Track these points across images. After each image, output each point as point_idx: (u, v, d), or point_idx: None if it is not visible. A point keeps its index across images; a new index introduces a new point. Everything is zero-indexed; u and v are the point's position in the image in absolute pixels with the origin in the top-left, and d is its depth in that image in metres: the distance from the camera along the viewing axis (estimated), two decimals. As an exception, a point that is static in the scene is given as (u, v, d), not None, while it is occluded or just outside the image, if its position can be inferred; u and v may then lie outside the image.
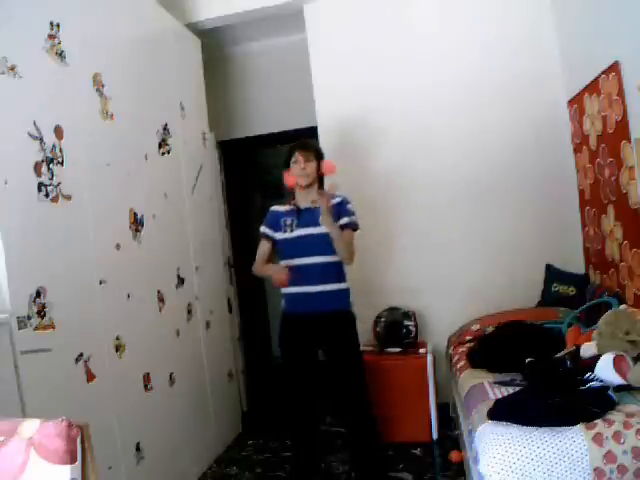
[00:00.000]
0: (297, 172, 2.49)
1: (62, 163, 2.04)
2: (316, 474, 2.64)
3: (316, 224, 2.42)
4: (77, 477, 1.05)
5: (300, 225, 2.47)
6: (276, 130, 4.14)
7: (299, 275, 2.42)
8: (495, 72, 3.33)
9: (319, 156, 2.56)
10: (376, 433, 2.59)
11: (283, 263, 2.51)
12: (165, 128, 2.93)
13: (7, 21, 1.84)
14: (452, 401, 2.96)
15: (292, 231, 2.47)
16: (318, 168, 2.52)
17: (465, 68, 3.38)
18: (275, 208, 2.64)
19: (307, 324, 2.48)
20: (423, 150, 3.46)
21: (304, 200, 2.53)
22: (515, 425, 1.65)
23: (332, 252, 2.43)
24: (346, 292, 2.54)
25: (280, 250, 2.55)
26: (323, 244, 2.41)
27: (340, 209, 2.48)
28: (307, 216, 2.48)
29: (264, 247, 2.58)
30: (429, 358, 3.10)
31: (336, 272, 2.49)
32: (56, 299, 1.92)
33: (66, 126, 2.07)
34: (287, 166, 2.55)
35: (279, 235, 2.53)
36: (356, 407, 2.54)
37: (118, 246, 2.37)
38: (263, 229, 2.60)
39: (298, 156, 2.50)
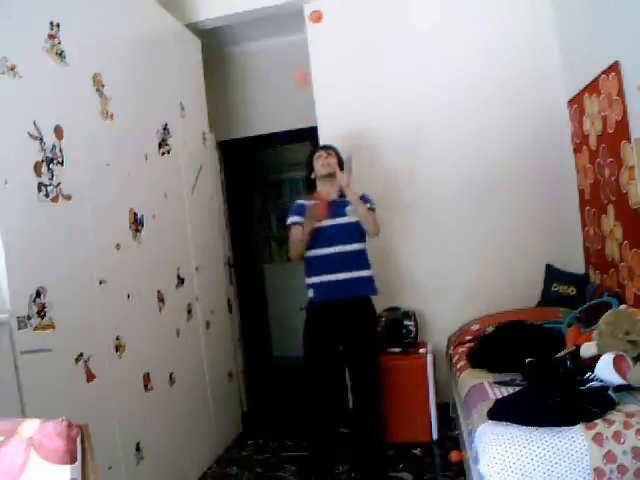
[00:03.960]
0: (320, 164, 2.68)
1: (62, 163, 2.04)
2: (328, 473, 2.64)
3: (342, 215, 2.58)
4: (77, 477, 1.05)
5: (332, 213, 2.57)
6: (276, 130, 4.14)
7: (327, 264, 2.55)
8: (495, 72, 3.33)
9: (338, 155, 2.74)
10: (382, 432, 2.61)
11: (309, 255, 2.61)
12: (165, 128, 2.93)
13: (7, 21, 1.84)
14: (452, 401, 2.96)
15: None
16: (339, 163, 2.70)
17: (465, 68, 3.38)
18: (300, 202, 2.75)
19: (335, 313, 2.57)
20: (423, 150, 3.46)
21: (327, 194, 2.65)
22: (515, 425, 1.65)
23: (357, 240, 2.58)
24: (371, 279, 2.65)
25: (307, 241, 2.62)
26: (348, 233, 2.57)
27: (362, 198, 2.64)
28: (332, 207, 2.59)
29: (297, 232, 2.63)
30: (429, 358, 3.10)
31: (361, 260, 2.61)
32: (56, 299, 1.92)
33: (66, 126, 2.07)
34: (310, 164, 2.75)
35: None
36: (369, 403, 2.59)
37: (118, 246, 2.37)
38: (292, 219, 2.68)
39: (321, 152, 2.73)
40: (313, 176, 2.75)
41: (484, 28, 3.36)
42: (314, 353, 2.63)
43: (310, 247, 2.61)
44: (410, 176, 3.49)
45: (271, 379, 4.46)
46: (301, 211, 2.66)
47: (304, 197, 2.78)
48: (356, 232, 2.60)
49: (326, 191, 2.66)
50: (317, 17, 2.77)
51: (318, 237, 2.58)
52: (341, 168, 2.69)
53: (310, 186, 2.79)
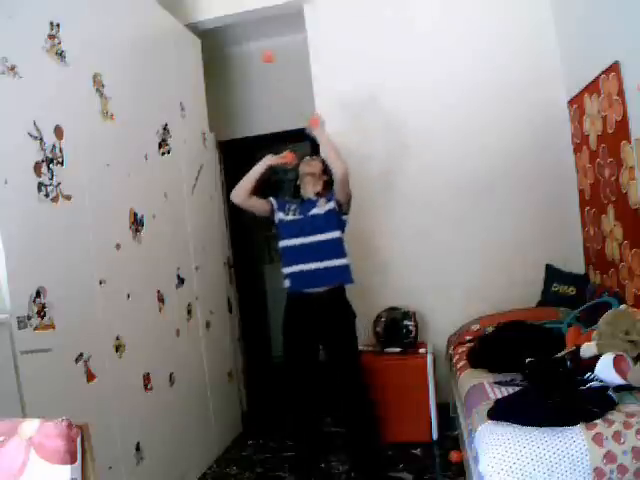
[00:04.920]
0: (304, 166, 2.81)
1: (62, 163, 2.04)
2: (316, 472, 2.65)
3: (313, 207, 2.69)
4: (77, 477, 1.05)
5: (303, 211, 2.71)
6: (276, 130, 4.14)
7: (301, 253, 2.62)
8: (495, 72, 3.33)
9: (324, 161, 2.81)
10: (375, 429, 2.61)
11: (284, 245, 2.70)
12: (165, 128, 2.93)
13: (7, 21, 1.84)
14: (452, 401, 2.96)
15: (295, 215, 2.71)
16: (323, 169, 2.80)
17: (465, 68, 3.38)
18: (282, 198, 2.91)
19: (311, 309, 2.63)
20: (423, 150, 3.46)
21: (309, 193, 2.76)
22: (515, 425, 1.65)
23: (330, 229, 2.65)
24: (347, 267, 2.69)
25: (283, 231, 2.72)
26: (321, 223, 2.64)
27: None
28: (309, 204, 2.72)
29: (258, 199, 2.80)
30: (429, 358, 3.10)
31: (335, 249, 2.66)
32: (56, 299, 1.92)
33: (66, 126, 2.07)
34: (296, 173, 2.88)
35: (282, 216, 2.74)
36: (357, 401, 2.60)
37: (118, 246, 2.37)
38: (270, 198, 2.83)
39: (307, 157, 2.88)
40: (298, 182, 2.84)
41: (484, 28, 3.36)
42: (292, 350, 2.71)
43: (284, 237, 2.71)
44: (410, 176, 3.48)
45: (271, 379, 4.46)
46: (281, 202, 2.81)
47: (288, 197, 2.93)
48: (328, 222, 2.66)
49: (305, 189, 2.78)
50: (268, 57, 2.84)
51: (296, 227, 2.67)
52: (324, 174, 2.79)
53: (296, 191, 2.87)
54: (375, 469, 2.61)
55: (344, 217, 2.75)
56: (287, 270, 2.69)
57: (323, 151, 2.78)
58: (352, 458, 2.71)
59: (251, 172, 2.76)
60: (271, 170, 2.84)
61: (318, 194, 2.74)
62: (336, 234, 2.66)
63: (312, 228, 2.64)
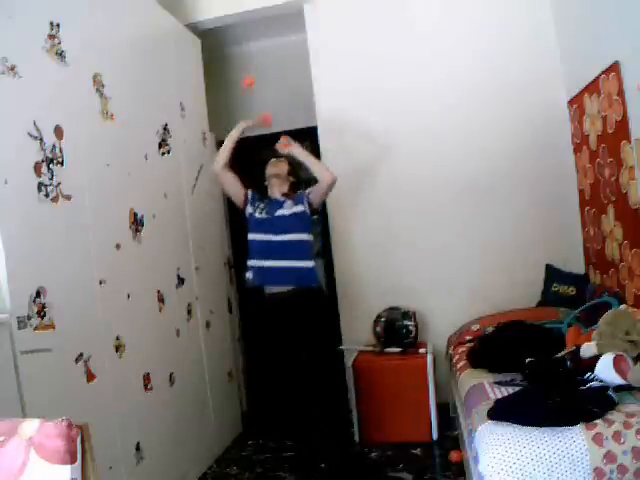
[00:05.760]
0: (271, 168, 2.89)
1: (62, 163, 2.04)
2: (316, 472, 2.64)
3: (280, 208, 2.75)
4: (77, 477, 1.05)
5: (270, 211, 2.77)
6: (276, 130, 4.13)
7: (266, 250, 2.68)
8: (495, 72, 3.33)
9: (291, 162, 2.91)
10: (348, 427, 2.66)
11: (251, 238, 2.77)
12: (165, 128, 2.93)
13: (7, 21, 1.84)
14: (452, 401, 2.96)
15: (261, 214, 2.78)
16: (289, 170, 2.90)
17: (465, 68, 3.38)
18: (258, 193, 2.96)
19: (277, 301, 2.68)
20: (423, 150, 3.46)
21: (276, 194, 2.85)
22: (515, 425, 1.65)
23: (299, 231, 2.70)
24: (313, 270, 2.74)
25: (252, 226, 2.80)
26: (290, 225, 2.70)
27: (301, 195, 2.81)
28: (276, 205, 2.79)
29: (236, 180, 2.87)
30: (429, 358, 3.10)
31: (301, 250, 2.71)
32: (56, 299, 1.92)
33: (66, 126, 2.07)
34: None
35: (251, 210, 2.82)
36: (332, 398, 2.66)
37: (118, 246, 2.37)
38: (248, 190, 2.90)
39: (274, 159, 2.94)
40: (266, 183, 2.90)
41: (484, 29, 3.36)
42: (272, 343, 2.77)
43: (252, 231, 2.78)
44: (410, 176, 3.48)
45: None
46: (254, 195, 2.87)
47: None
48: (295, 223, 2.71)
49: (272, 190, 2.85)
50: (248, 82, 2.91)
51: (260, 225, 2.75)
52: (290, 174, 2.88)
53: (266, 191, 2.92)
54: (356, 471, 2.62)
55: (314, 217, 2.84)
56: (250, 263, 2.75)
57: (308, 164, 2.81)
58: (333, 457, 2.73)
59: (227, 139, 2.84)
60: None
61: (285, 195, 2.81)
62: (303, 236, 2.72)
63: (280, 228, 2.69)
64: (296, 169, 2.92)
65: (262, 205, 2.81)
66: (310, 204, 2.77)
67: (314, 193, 2.79)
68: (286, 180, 2.86)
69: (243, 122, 2.87)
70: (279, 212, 2.73)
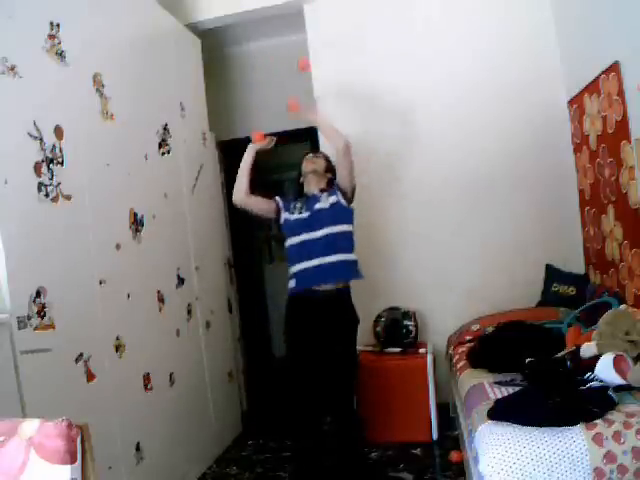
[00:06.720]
0: (307, 164, 2.78)
1: (62, 163, 2.04)
2: (316, 472, 2.64)
3: (323, 201, 2.64)
4: (77, 477, 1.05)
5: (309, 207, 2.65)
6: (276, 130, 4.13)
7: (309, 249, 2.56)
8: (495, 72, 3.33)
9: (327, 159, 2.82)
10: (359, 433, 2.61)
11: (288, 243, 2.65)
12: (165, 128, 2.93)
13: (7, 21, 1.84)
14: (452, 401, 2.96)
15: (301, 213, 2.65)
16: (326, 166, 2.78)
17: (465, 68, 3.38)
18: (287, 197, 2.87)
19: (317, 302, 2.56)
20: (423, 150, 3.46)
21: (313, 190, 2.72)
22: (515, 425, 1.65)
23: (341, 222, 2.61)
24: (356, 262, 2.64)
25: (289, 231, 2.67)
26: (332, 216, 2.60)
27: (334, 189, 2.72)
28: (314, 200, 2.67)
29: (261, 198, 2.78)
30: (429, 358, 3.10)
31: (346, 242, 2.62)
32: (56, 299, 1.92)
33: (66, 126, 2.07)
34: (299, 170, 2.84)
35: (287, 215, 2.69)
36: (340, 403, 2.57)
37: (118, 246, 2.37)
38: (277, 197, 2.80)
39: (310, 154, 2.85)
40: (302, 180, 2.79)
41: (484, 29, 3.36)
42: (296, 350, 2.65)
43: (289, 236, 2.66)
44: (410, 176, 3.48)
45: (271, 379, 4.46)
46: (286, 201, 2.77)
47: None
48: (335, 214, 2.62)
49: (309, 187, 2.74)
50: (304, 65, 2.90)
51: (298, 226, 2.63)
52: (328, 171, 2.77)
53: (301, 189, 2.82)
54: (360, 472, 2.60)
55: (350, 207, 2.71)
56: (293, 269, 2.62)
57: (321, 130, 2.81)
58: (338, 461, 2.69)
59: (242, 165, 2.77)
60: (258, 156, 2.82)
61: (322, 190, 2.69)
62: (344, 227, 2.62)
63: (320, 223, 2.58)
64: (332, 165, 2.82)
65: (299, 204, 2.68)
66: (343, 193, 2.67)
67: (338, 175, 2.70)
68: (324, 176, 2.74)
69: (251, 147, 2.79)
70: (317, 206, 2.61)
